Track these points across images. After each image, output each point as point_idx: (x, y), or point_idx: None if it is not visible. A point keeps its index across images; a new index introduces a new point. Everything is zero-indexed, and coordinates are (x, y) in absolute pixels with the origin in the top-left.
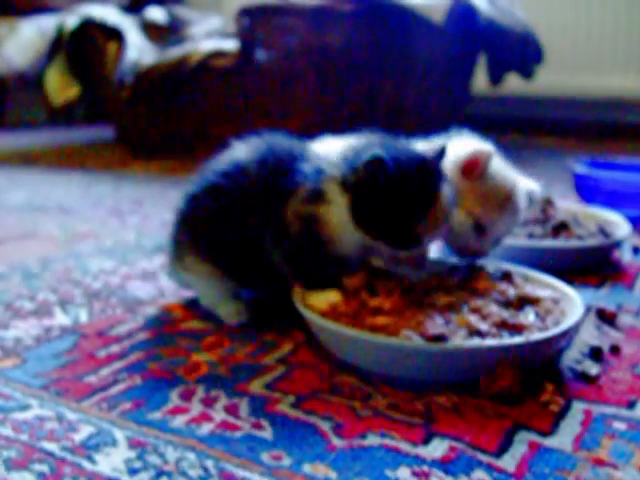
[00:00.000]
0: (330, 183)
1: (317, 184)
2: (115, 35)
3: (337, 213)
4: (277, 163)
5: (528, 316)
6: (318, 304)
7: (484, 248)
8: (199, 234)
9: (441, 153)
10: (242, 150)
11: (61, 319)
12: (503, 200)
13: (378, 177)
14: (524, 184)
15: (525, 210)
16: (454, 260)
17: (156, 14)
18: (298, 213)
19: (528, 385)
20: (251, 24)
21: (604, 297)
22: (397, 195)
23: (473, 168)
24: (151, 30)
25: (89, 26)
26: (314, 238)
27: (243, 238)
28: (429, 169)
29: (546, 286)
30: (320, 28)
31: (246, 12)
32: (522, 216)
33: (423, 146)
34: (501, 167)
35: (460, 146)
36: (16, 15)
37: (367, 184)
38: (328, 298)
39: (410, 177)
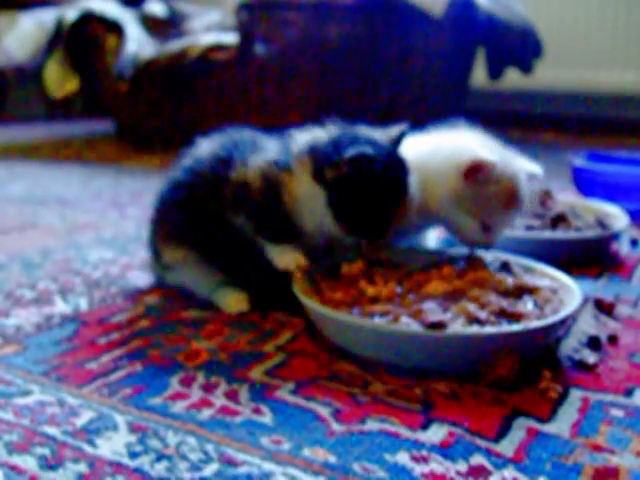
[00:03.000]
0: (298, 165)
1: (286, 160)
2: (115, 28)
3: (302, 190)
4: (234, 146)
5: (526, 305)
6: (284, 262)
7: (496, 239)
8: (172, 223)
9: (399, 140)
10: (203, 145)
11: (61, 307)
12: (507, 200)
13: (363, 173)
14: (525, 167)
15: (529, 195)
16: (453, 250)
17: (156, 8)
18: (263, 172)
19: (526, 373)
20: (251, 18)
21: (602, 288)
22: (379, 189)
23: (476, 174)
24: (151, 24)
25: (89, 19)
26: (275, 197)
27: (208, 221)
28: (400, 161)
29: (544, 276)
30: (319, 22)
31: (246, 6)
32: (527, 202)
33: (380, 134)
34: (504, 166)
35: (460, 144)
36: (16, 8)
37: (351, 180)
38: (292, 257)
39: (390, 172)
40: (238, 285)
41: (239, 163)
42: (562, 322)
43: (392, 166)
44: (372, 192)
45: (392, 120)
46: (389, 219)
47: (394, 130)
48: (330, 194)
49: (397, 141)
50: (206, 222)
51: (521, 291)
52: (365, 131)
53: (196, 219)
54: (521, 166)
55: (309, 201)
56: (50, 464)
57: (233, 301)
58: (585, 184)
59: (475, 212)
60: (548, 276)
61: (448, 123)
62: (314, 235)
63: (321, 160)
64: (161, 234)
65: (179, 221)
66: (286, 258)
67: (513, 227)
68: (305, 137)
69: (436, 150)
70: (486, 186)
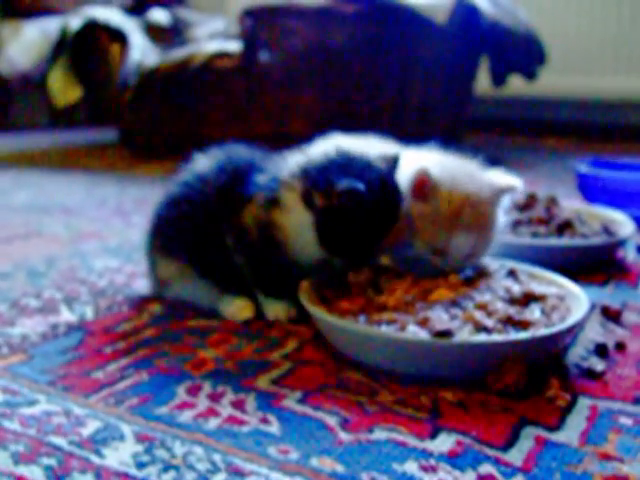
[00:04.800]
0: (287, 191)
1: (274, 192)
2: (119, 37)
3: (292, 220)
4: (234, 171)
5: (534, 312)
6: (274, 313)
7: (453, 266)
8: (168, 237)
9: (394, 165)
10: (202, 162)
11: (67, 316)
12: (449, 220)
13: (353, 208)
14: (496, 185)
15: (503, 208)
16: None
17: (159, 16)
18: (256, 219)
19: (534, 381)
20: (254, 25)
21: (609, 295)
22: (368, 221)
23: (423, 188)
24: (154, 32)
25: (93, 28)
26: (271, 243)
27: (206, 241)
28: (393, 190)
29: (551, 283)
30: (323, 29)
31: (249, 13)
32: (493, 219)
33: (376, 149)
34: (453, 180)
35: (413, 164)
36: (20, 17)
37: (341, 212)
38: (283, 308)
39: (380, 204)
40: (240, 292)
41: (238, 201)
42: (570, 330)
43: (383, 197)
44: (360, 224)
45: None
46: (375, 246)
47: (390, 153)
48: (318, 220)
49: (393, 165)
50: (203, 240)
51: (528, 299)
52: (360, 152)
53: (193, 236)
54: (483, 186)
55: (299, 227)
56: (57, 475)
57: (238, 309)
58: (590, 191)
59: (422, 236)
60: (555, 283)
61: (417, 145)
62: (309, 263)
63: (311, 184)
64: (157, 247)
65: (175, 236)
66: (276, 309)
67: (477, 253)
68: (297, 158)
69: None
70: (428, 204)
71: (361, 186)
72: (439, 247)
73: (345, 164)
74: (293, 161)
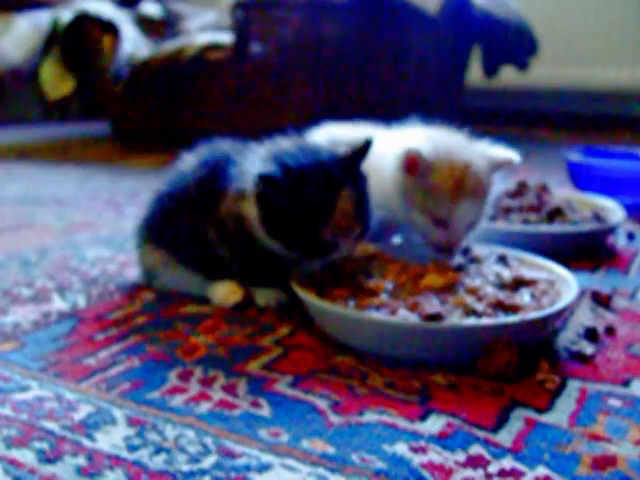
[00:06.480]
0: (249, 183)
1: (242, 184)
2: (110, 29)
3: (252, 210)
4: (214, 166)
5: (523, 297)
6: (264, 300)
7: (456, 237)
8: (155, 230)
9: (362, 151)
10: (187, 159)
11: (59, 304)
12: (453, 189)
13: (269, 194)
14: (493, 156)
15: (497, 181)
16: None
17: (151, 8)
18: (230, 213)
19: (524, 364)
20: (246, 17)
21: (599, 281)
22: (292, 207)
23: (414, 166)
24: (146, 24)
25: (84, 20)
26: (245, 235)
27: (190, 235)
28: (325, 177)
29: (541, 268)
30: (315, 20)
31: (241, 5)
32: (490, 189)
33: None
34: (449, 151)
35: (403, 140)
36: (11, 10)
37: (263, 200)
38: (272, 295)
39: (302, 189)
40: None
41: (216, 195)
42: (559, 314)
43: (306, 184)
44: (283, 207)
45: (388, 117)
46: (314, 234)
47: (360, 140)
48: (258, 212)
49: (355, 154)
50: (188, 233)
51: (518, 283)
52: (317, 143)
53: (178, 230)
54: (479, 156)
55: (256, 218)
56: (49, 458)
57: (226, 294)
58: (581, 179)
59: (423, 206)
60: (545, 269)
61: (406, 120)
62: (282, 254)
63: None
64: (145, 239)
65: (161, 229)
66: (266, 296)
67: (477, 222)
68: (266, 150)
69: (385, 149)
70: (427, 177)
71: (273, 172)
72: (442, 218)
73: (285, 154)
74: (263, 153)
